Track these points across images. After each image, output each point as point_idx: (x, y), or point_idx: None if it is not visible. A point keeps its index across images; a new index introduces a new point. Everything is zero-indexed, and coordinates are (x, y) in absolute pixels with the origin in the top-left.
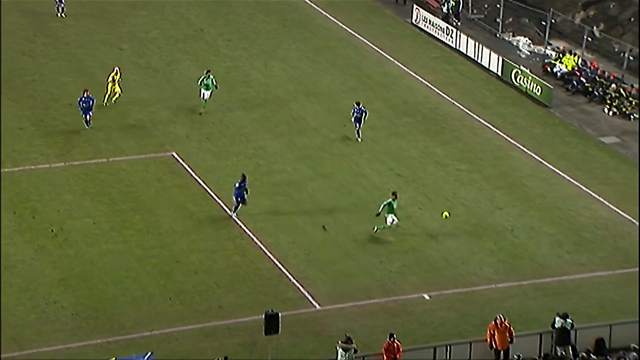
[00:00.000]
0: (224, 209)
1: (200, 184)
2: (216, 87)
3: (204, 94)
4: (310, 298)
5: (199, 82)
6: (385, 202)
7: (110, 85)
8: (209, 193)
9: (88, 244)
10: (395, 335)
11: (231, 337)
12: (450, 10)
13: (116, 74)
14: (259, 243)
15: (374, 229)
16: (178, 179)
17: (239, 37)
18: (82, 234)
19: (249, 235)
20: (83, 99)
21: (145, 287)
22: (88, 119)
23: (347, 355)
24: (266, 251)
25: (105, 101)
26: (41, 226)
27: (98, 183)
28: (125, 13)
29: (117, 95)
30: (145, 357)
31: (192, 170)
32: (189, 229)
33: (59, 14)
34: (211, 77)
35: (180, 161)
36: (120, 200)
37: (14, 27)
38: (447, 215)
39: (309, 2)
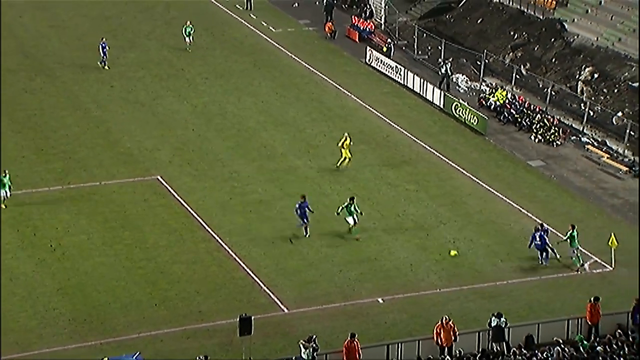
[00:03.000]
0: (202, 225)
1: (182, 203)
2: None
3: (186, 39)
4: (279, 303)
5: (183, 31)
6: (343, 205)
7: (344, 151)
8: (189, 211)
9: (83, 257)
10: (356, 335)
11: (210, 338)
12: (444, 77)
13: (346, 139)
14: (234, 255)
15: (356, 238)
16: (162, 199)
17: (215, 75)
18: (77, 248)
19: (225, 248)
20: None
21: (134, 295)
22: None
23: (307, 352)
24: (240, 262)
25: (338, 165)
26: (41, 242)
27: (92, 204)
28: (116, 55)
29: (347, 160)
30: (134, 357)
31: (175, 192)
32: (172, 243)
33: (102, 65)
34: (191, 25)
35: (164, 184)
36: (111, 219)
37: (17, 67)
38: (456, 253)
39: (277, 45)
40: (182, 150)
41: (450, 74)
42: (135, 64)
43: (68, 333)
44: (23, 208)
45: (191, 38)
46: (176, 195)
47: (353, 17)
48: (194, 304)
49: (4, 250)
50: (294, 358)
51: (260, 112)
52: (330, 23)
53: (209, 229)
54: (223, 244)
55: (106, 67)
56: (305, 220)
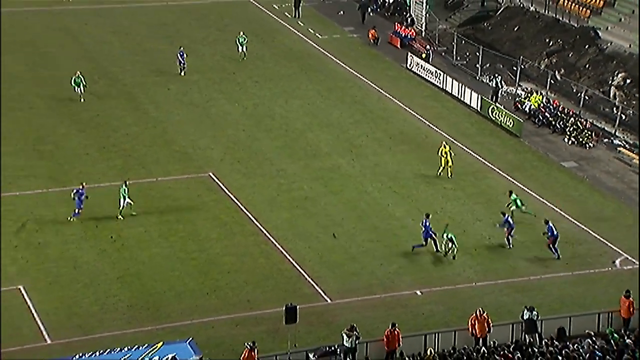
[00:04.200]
0: (251, 219)
1: (232, 199)
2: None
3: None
4: (322, 293)
5: (236, 40)
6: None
7: (443, 159)
8: (239, 206)
9: (141, 248)
10: (396, 324)
11: (258, 326)
12: (496, 90)
13: (444, 147)
14: (281, 248)
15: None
16: (214, 195)
17: (265, 79)
18: (135, 240)
19: (272, 242)
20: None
21: (187, 284)
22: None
23: (350, 340)
24: (286, 255)
25: (440, 172)
26: (103, 234)
27: (149, 198)
28: (172, 60)
29: (448, 167)
30: (187, 342)
31: (226, 188)
32: (222, 236)
33: (181, 72)
34: (244, 35)
35: (216, 180)
36: (166, 212)
37: (82, 72)
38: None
39: (323, 50)
40: (233, 149)
41: (500, 87)
42: (190, 68)
43: (126, 318)
44: (86, 202)
45: (244, 48)
46: (227, 191)
47: (395, 24)
48: (243, 293)
49: (69, 241)
50: (336, 346)
51: (306, 113)
52: (374, 30)
53: (258, 223)
54: (270, 238)
55: (182, 74)
56: (427, 241)
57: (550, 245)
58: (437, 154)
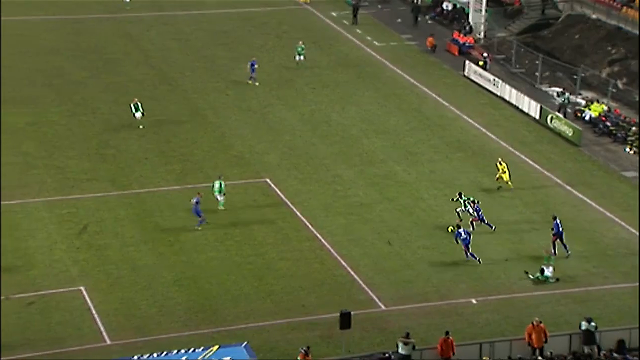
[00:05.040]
0: (307, 225)
1: (288, 204)
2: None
3: (296, 57)
4: (377, 300)
5: (295, 49)
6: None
7: (502, 174)
8: (295, 212)
9: (197, 252)
10: (450, 332)
11: (312, 331)
12: (564, 106)
13: (500, 163)
14: (335, 254)
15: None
16: (270, 200)
17: (322, 85)
18: (193, 243)
19: (327, 247)
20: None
21: (243, 288)
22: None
23: (406, 347)
24: (341, 261)
25: (500, 184)
26: (161, 237)
27: (206, 203)
28: (231, 66)
29: (505, 180)
30: (242, 346)
31: (282, 193)
32: (278, 241)
33: (252, 82)
34: (302, 45)
35: (272, 186)
36: (223, 217)
37: (143, 77)
38: (452, 229)
39: (380, 58)
40: (290, 154)
41: (568, 102)
42: (249, 74)
43: (183, 321)
44: (146, 205)
45: (301, 57)
46: (283, 197)
47: (454, 32)
48: (298, 298)
49: (128, 243)
50: (390, 352)
51: (362, 120)
52: (432, 37)
53: (313, 229)
54: (325, 243)
55: (256, 84)
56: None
57: (555, 242)
58: (495, 168)
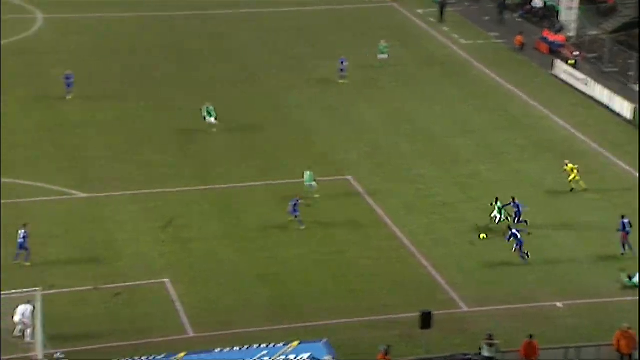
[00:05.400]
0: (388, 224)
1: (369, 203)
2: None
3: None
4: (458, 300)
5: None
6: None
7: (572, 175)
8: (376, 211)
9: (280, 248)
10: (533, 335)
11: (392, 330)
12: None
13: (566, 165)
14: (417, 253)
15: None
16: (352, 198)
17: (406, 83)
18: (275, 240)
19: (408, 247)
20: None
21: (324, 285)
22: None
23: (491, 349)
24: (422, 260)
25: (573, 187)
26: (244, 232)
27: (288, 199)
28: (315, 63)
29: (578, 183)
30: (322, 342)
31: (364, 192)
32: (359, 240)
33: (340, 80)
34: (385, 44)
35: (354, 184)
36: (305, 214)
37: (227, 74)
38: (484, 237)
39: (466, 56)
40: (372, 153)
41: None
42: (332, 72)
43: (265, 316)
44: (228, 201)
45: (385, 55)
46: (365, 195)
47: (544, 30)
48: (379, 297)
49: (212, 237)
50: (472, 354)
51: (447, 119)
52: (520, 35)
53: (394, 228)
54: (407, 242)
55: (344, 81)
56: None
57: (624, 242)
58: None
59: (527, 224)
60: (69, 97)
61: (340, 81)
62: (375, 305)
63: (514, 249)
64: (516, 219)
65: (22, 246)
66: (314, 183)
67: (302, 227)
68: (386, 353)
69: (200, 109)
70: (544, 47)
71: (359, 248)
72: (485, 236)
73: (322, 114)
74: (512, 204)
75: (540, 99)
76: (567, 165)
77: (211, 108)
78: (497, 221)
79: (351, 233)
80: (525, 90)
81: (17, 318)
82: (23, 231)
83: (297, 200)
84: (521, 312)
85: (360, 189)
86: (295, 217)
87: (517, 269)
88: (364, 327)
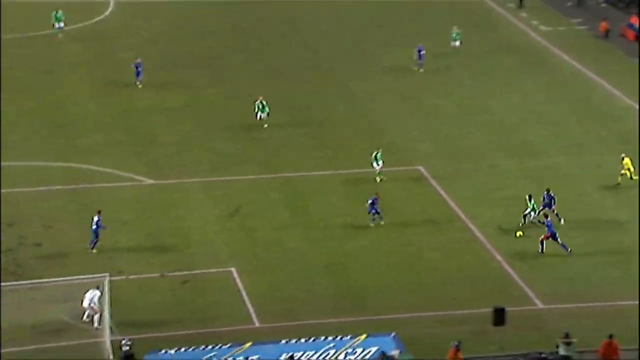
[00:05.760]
0: (460, 215)
1: (441, 194)
2: None
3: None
4: (533, 297)
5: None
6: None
7: (627, 172)
8: (448, 202)
9: (347, 239)
10: (613, 335)
11: (463, 325)
12: None
13: (623, 158)
14: (489, 247)
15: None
16: (422, 188)
17: (482, 72)
18: (342, 230)
19: (481, 240)
20: None
21: (392, 278)
22: None
23: (569, 348)
24: (496, 254)
25: (620, 181)
26: (311, 222)
27: (357, 189)
28: (387, 51)
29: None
30: (391, 336)
31: (435, 182)
32: (429, 231)
33: (418, 69)
34: (457, 30)
35: (426, 174)
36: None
37: (298, 61)
38: (521, 234)
39: (546, 43)
40: (445, 143)
41: None
42: (404, 60)
43: (331, 307)
44: (297, 189)
45: (457, 43)
46: (436, 186)
47: (631, 16)
48: (449, 291)
49: (279, 227)
50: (547, 353)
51: (524, 108)
52: (605, 22)
53: (466, 220)
54: (479, 235)
55: (421, 70)
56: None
57: None
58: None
59: (558, 216)
60: (139, 85)
61: (419, 70)
62: (446, 300)
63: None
64: (543, 209)
65: (95, 233)
66: (378, 163)
67: (382, 223)
68: (457, 349)
69: (254, 104)
70: (631, 34)
71: (429, 240)
72: (522, 234)
73: (393, 103)
74: (545, 195)
75: (625, 89)
76: (623, 159)
77: (264, 103)
78: (531, 219)
79: (421, 224)
80: (608, 79)
81: (85, 303)
82: (97, 218)
83: (375, 198)
84: (598, 310)
85: (432, 180)
86: (375, 213)
87: (595, 265)
88: (433, 322)
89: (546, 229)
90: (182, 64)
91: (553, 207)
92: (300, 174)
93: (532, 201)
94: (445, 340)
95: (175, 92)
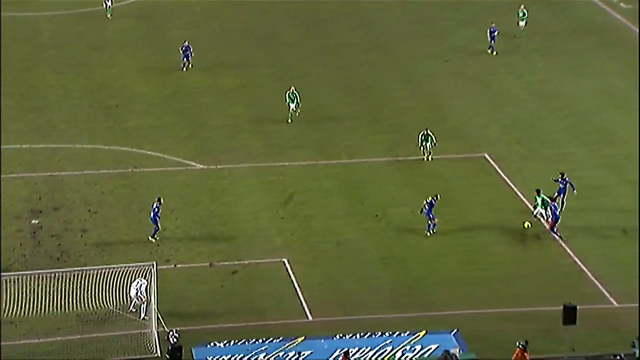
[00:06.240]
0: (529, 207)
1: (507, 183)
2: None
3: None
4: (607, 295)
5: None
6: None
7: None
8: (515, 192)
9: (406, 229)
10: None
11: (530, 323)
12: None
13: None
14: (560, 241)
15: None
16: (488, 177)
17: (555, 52)
18: (401, 220)
19: (551, 233)
20: None
21: (453, 271)
22: None
23: None
24: (566, 248)
25: None
26: (368, 211)
27: (417, 177)
28: (452, 30)
29: None
30: (452, 333)
31: (501, 171)
32: (494, 223)
33: (491, 51)
34: (524, 10)
35: (491, 162)
36: (434, 194)
37: (356, 41)
38: (529, 225)
39: (626, 22)
40: (512, 128)
41: None
42: (469, 40)
43: (389, 302)
44: (353, 177)
45: (523, 23)
46: (503, 175)
47: None
48: (515, 286)
49: (334, 216)
50: (622, 355)
51: (600, 93)
52: None
53: (535, 212)
54: (549, 228)
55: (494, 53)
56: None
57: None
58: None
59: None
60: (186, 69)
61: (493, 52)
62: (511, 296)
63: (545, 217)
64: (558, 196)
65: (154, 220)
66: (428, 144)
67: (431, 233)
68: (524, 349)
69: (284, 95)
70: None
71: (494, 233)
72: (530, 225)
73: (457, 85)
74: (560, 180)
75: None
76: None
77: (296, 93)
78: (546, 218)
79: (485, 216)
80: None
81: (132, 293)
82: (155, 205)
83: (435, 200)
84: None
85: (497, 168)
86: (430, 219)
87: None
88: (498, 319)
89: (550, 215)
90: (236, 43)
91: (563, 195)
92: (356, 161)
93: (542, 196)
94: (510, 339)
95: (228, 72)
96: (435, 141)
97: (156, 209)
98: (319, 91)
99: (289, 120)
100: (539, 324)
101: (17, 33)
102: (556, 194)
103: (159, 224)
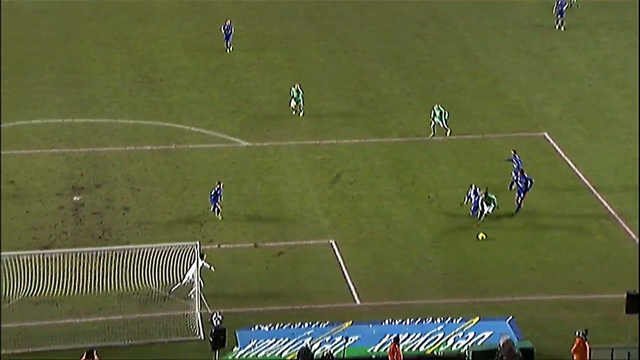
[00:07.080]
0: (591, 189)
1: (569, 164)
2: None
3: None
4: None
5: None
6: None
7: None
8: (577, 173)
9: (459, 211)
10: None
11: (590, 312)
12: None
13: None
14: (624, 225)
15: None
16: (547, 157)
17: (622, 26)
18: (454, 201)
19: (615, 217)
20: None
21: (509, 256)
22: None
23: None
24: (631, 234)
25: None
26: (419, 192)
27: (472, 157)
28: (509, 4)
29: None
30: (507, 321)
31: (562, 151)
32: (554, 206)
33: (559, 27)
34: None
35: (551, 141)
36: (491, 174)
37: (410, 12)
38: (484, 236)
39: None
40: (575, 106)
41: None
42: (530, 13)
43: (440, 287)
44: (404, 156)
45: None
46: (563, 155)
47: None
48: (574, 273)
49: (384, 196)
50: None
51: None
52: None
53: (598, 194)
54: (612, 212)
55: (562, 28)
56: None
57: None
58: None
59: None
60: (228, 50)
61: (561, 27)
62: (570, 282)
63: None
64: (518, 175)
65: (213, 203)
66: (441, 121)
67: (479, 223)
68: (584, 339)
69: (290, 90)
70: None
71: (553, 216)
72: (484, 236)
73: (517, 60)
74: (513, 159)
75: None
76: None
77: (300, 90)
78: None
79: (544, 198)
80: None
81: (190, 274)
82: (216, 188)
83: (485, 193)
84: None
85: (558, 148)
86: (475, 209)
87: None
88: (556, 307)
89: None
90: (283, 16)
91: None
92: (408, 139)
93: (474, 190)
94: (569, 328)
95: (275, 46)
96: (447, 117)
97: (217, 192)
98: (370, 66)
99: (294, 113)
100: (600, 312)
101: (57, 4)
102: (513, 174)
103: (216, 206)
